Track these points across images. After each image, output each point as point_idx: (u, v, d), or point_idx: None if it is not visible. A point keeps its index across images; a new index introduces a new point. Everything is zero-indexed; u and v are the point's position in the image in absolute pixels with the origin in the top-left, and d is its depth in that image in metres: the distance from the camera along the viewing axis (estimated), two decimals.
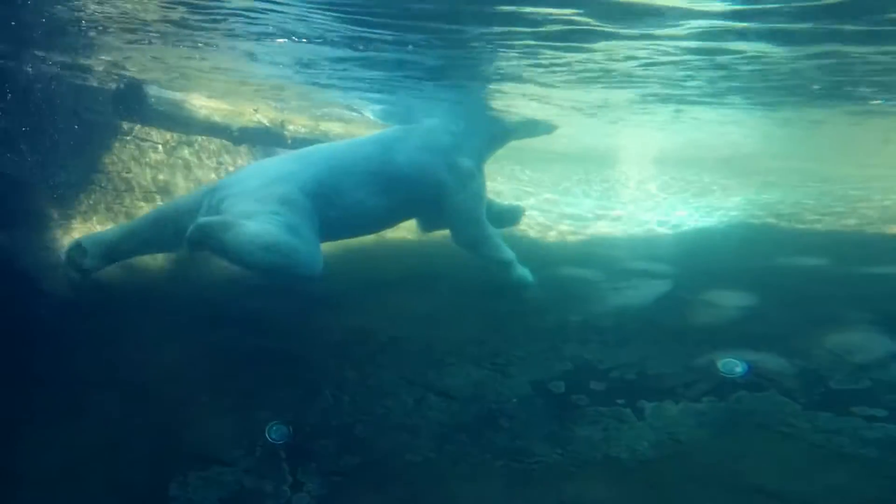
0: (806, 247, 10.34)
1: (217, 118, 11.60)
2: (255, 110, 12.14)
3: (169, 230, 7.35)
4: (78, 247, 7.48)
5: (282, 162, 7.92)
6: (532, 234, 12.57)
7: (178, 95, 11.39)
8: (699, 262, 9.63)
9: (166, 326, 6.88)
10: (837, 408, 5.02)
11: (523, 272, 8.12)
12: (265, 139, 12.48)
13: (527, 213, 11.00)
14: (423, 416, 5.56)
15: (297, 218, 6.80)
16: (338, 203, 7.38)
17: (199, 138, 11.77)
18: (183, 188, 11.02)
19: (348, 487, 4.90)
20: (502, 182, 15.35)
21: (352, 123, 14.42)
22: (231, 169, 12.10)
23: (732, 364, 5.69)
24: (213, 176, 11.54)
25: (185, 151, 11.43)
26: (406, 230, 9.57)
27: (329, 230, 7.38)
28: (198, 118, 11.36)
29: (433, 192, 8.00)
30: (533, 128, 10.35)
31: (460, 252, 8.29)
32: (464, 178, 8.14)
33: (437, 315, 7.32)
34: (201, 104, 11.47)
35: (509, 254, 8.10)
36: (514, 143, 9.53)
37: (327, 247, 7.36)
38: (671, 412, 5.29)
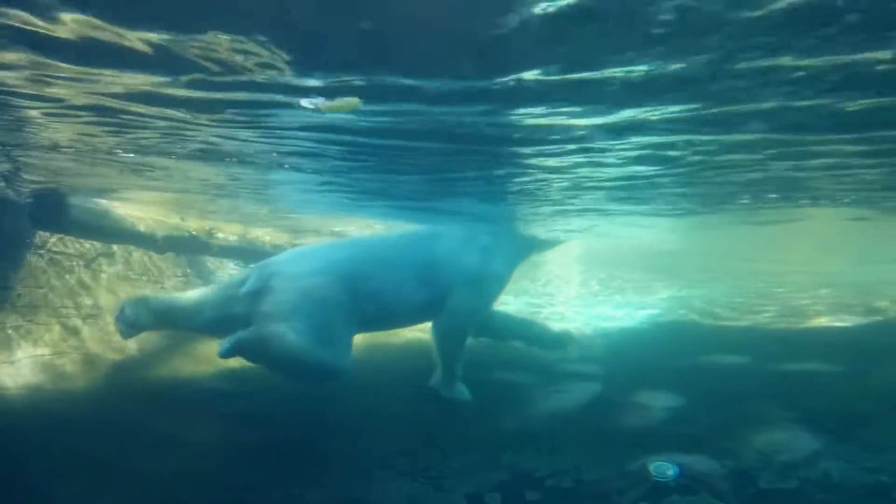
0: (729, 344, 10.67)
1: (142, 227, 11.38)
2: (182, 219, 11.98)
3: (208, 311, 7.65)
4: (136, 304, 7.76)
5: (329, 249, 8.25)
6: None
7: (103, 203, 11.15)
8: (628, 361, 9.78)
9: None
10: None
11: (460, 391, 8.09)
12: (191, 248, 12.29)
13: None
14: None
15: (330, 317, 7.25)
16: (379, 297, 7.69)
17: (118, 248, 11.48)
18: (103, 297, 10.65)
19: None
20: None
21: (287, 229, 14.39)
22: (154, 278, 11.81)
23: (664, 467, 5.70)
24: (130, 289, 11.21)
25: (103, 263, 11.11)
26: None
27: (367, 323, 7.74)
28: (122, 227, 11.11)
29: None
30: (550, 243, 11.20)
31: (387, 357, 8.22)
32: (488, 278, 8.37)
33: (364, 426, 7.14)
34: (126, 213, 11.25)
35: (458, 371, 8.11)
36: None
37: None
38: None
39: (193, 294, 8.04)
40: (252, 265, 8.68)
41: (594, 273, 25.26)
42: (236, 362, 7.64)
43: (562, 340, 9.54)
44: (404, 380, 8.37)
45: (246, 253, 12.72)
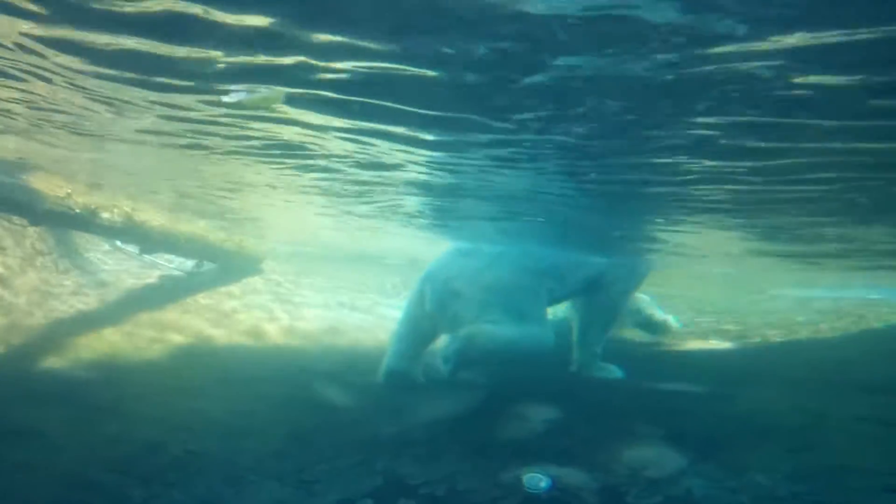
0: (606, 360, 10.96)
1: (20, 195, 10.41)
2: (69, 193, 11.11)
3: (422, 328, 8.83)
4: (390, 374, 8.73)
5: (483, 248, 9.38)
6: (348, 341, 12.38)
7: None
8: (509, 371, 9.87)
9: None
10: None
11: (610, 369, 9.33)
12: (72, 224, 11.42)
13: (343, 319, 10.90)
14: None
15: (518, 301, 8.25)
16: (554, 272, 9.07)
17: None
18: None
19: None
20: (325, 285, 15.17)
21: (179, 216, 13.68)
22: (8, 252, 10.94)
23: (537, 479, 5.75)
24: None
25: None
26: (215, 328, 9.06)
27: (555, 298, 9.21)
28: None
29: None
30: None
31: (263, 356, 8.00)
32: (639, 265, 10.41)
33: (238, 426, 6.86)
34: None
35: (599, 350, 9.56)
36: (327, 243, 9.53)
37: (110, 346, 6.75)
38: None
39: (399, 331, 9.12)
40: (417, 283, 9.16)
41: None
42: (101, 349, 7.20)
43: (664, 326, 11.34)
44: (280, 380, 8.12)
45: (131, 235, 11.93)
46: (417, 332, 8.88)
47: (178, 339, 9.59)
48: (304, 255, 17.69)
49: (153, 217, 12.20)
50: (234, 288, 12.88)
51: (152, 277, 12.72)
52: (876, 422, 6.76)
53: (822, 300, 15.60)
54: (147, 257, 12.99)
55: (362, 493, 5.70)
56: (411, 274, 18.21)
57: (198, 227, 12.52)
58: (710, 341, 12.10)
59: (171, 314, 10.98)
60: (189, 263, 13.15)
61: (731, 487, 5.64)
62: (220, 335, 10.09)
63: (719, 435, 6.84)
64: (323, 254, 18.93)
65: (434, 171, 6.97)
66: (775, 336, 11.52)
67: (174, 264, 13.33)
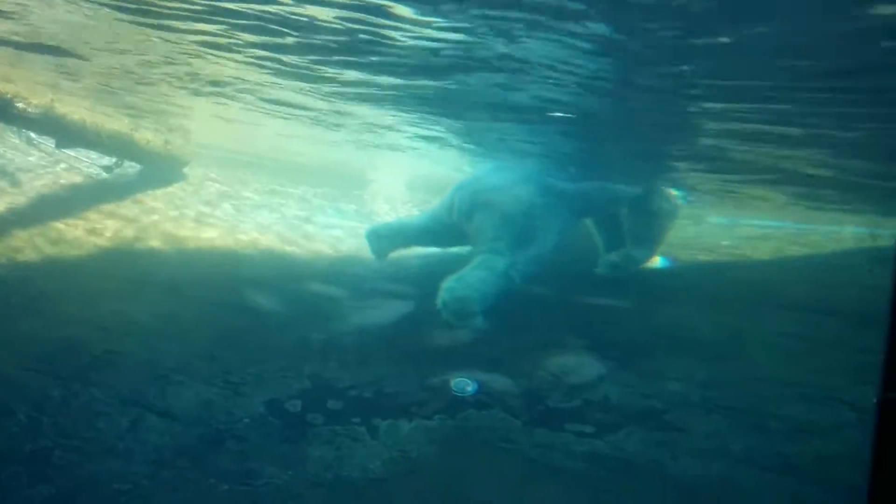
0: (540, 277, 11.17)
1: None
2: None
3: (437, 229, 9.48)
4: (374, 233, 9.54)
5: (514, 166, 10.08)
6: (279, 249, 12.21)
7: None
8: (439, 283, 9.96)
9: None
10: (553, 424, 5.39)
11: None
12: None
13: (273, 228, 10.69)
14: (138, 440, 5.01)
15: (537, 218, 8.75)
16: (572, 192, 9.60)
17: None
18: None
19: None
20: (254, 194, 14.77)
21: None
22: None
23: (464, 383, 5.89)
24: None
25: None
26: (139, 232, 8.74)
27: (577, 213, 9.81)
28: None
29: None
30: None
31: (192, 259, 7.79)
32: None
33: (164, 328, 6.74)
34: None
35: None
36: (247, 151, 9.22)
37: (25, 246, 6.46)
38: (404, 430, 5.32)
39: (416, 221, 9.93)
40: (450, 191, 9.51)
41: (420, 197, 25.49)
42: (15, 249, 6.86)
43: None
44: (207, 285, 7.97)
45: (49, 128, 11.19)
46: (429, 228, 9.57)
47: (98, 241, 9.21)
48: (239, 163, 17.12)
49: (74, 110, 11.49)
50: (160, 192, 12.39)
51: (71, 176, 12.09)
52: (794, 337, 7.04)
53: (748, 227, 16.13)
54: (66, 152, 12.23)
55: (290, 394, 5.73)
56: (350, 188, 17.99)
57: (122, 125, 11.87)
58: None
59: (92, 216, 10.53)
60: (108, 161, 12.42)
61: (644, 393, 5.90)
62: (144, 240, 9.76)
63: (639, 346, 7.10)
64: (258, 162, 18.37)
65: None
66: (701, 257, 11.90)
67: (89, 161, 12.56)
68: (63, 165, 12.25)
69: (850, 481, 4.30)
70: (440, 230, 9.49)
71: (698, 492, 4.52)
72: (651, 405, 5.67)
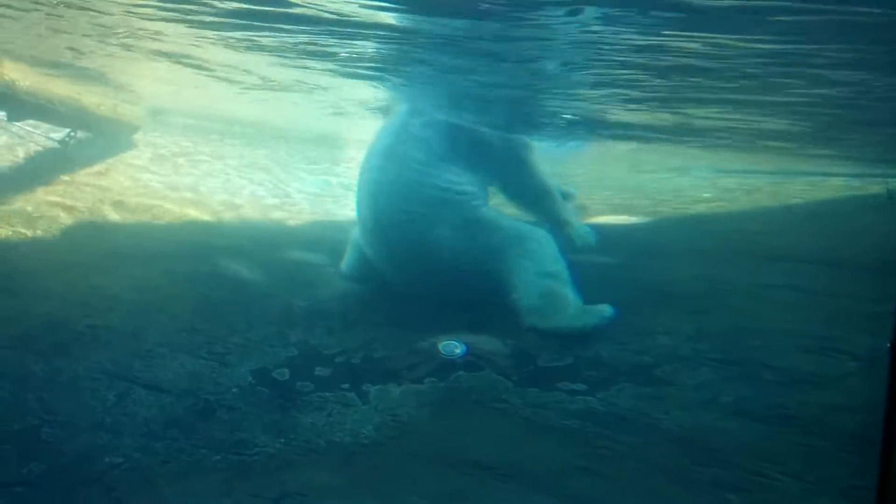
0: None
1: None
2: None
3: None
4: None
5: None
6: (259, 216, 12.02)
7: None
8: None
9: None
10: (544, 384, 5.38)
11: None
12: None
13: (254, 192, 10.52)
14: (126, 413, 4.95)
15: None
16: None
17: None
18: None
19: (35, 499, 4.18)
20: (228, 161, 14.51)
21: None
22: None
23: (452, 346, 5.86)
24: None
25: None
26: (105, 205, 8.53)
27: None
28: None
29: None
30: None
31: (168, 233, 7.63)
32: None
33: (144, 302, 6.62)
34: None
35: None
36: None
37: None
38: (394, 394, 5.30)
39: None
40: None
41: None
42: None
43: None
44: (183, 256, 7.82)
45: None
46: None
47: (64, 216, 8.98)
48: (202, 129, 16.71)
49: (22, 76, 10.91)
50: (119, 161, 11.99)
51: (23, 149, 11.64)
52: (786, 288, 7.01)
53: (729, 178, 16.11)
54: (16, 125, 11.65)
55: (277, 363, 5.68)
56: (322, 151, 17.71)
57: (70, 89, 11.28)
58: (621, 216, 12.40)
59: (53, 189, 10.21)
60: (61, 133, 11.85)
61: (635, 349, 5.90)
62: (112, 212, 9.51)
63: (626, 302, 7.07)
64: (223, 128, 17.97)
65: None
66: (683, 210, 11.89)
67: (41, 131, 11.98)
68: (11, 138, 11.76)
69: (856, 431, 4.30)
70: None
71: (693, 444, 4.54)
72: (642, 360, 5.68)
